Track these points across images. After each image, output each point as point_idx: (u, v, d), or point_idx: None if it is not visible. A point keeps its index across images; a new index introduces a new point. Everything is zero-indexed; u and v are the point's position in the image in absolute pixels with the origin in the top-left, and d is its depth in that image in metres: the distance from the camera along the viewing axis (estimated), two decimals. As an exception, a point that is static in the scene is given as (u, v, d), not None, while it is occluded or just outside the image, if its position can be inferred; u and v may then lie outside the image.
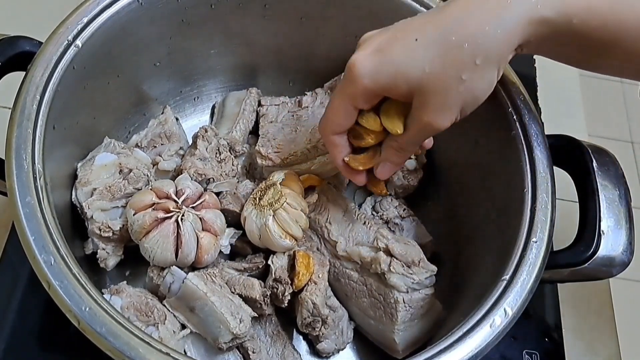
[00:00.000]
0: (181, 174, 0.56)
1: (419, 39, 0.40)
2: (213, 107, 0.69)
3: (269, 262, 0.53)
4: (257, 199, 0.53)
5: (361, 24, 0.61)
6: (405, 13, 0.57)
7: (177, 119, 0.64)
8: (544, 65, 0.79)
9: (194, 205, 0.52)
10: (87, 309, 0.39)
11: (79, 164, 0.55)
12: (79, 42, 0.50)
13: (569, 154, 0.52)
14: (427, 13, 0.43)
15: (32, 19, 0.75)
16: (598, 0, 0.39)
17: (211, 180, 0.57)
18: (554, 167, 0.49)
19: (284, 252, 0.54)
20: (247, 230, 0.53)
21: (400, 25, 0.43)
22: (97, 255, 0.54)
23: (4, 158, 0.45)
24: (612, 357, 0.61)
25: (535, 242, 0.45)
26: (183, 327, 0.50)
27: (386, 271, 0.51)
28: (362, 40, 0.44)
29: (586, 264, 0.47)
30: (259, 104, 0.66)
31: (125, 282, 0.51)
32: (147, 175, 0.56)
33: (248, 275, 0.54)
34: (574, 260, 0.48)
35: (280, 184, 0.54)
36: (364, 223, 0.56)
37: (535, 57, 0.81)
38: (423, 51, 0.40)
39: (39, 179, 0.44)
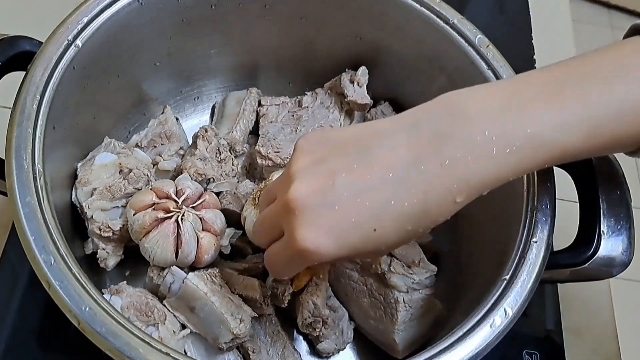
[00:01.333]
0: (181, 174, 0.56)
1: (378, 230, 0.37)
2: (213, 107, 0.69)
3: (269, 262, 0.53)
4: (257, 198, 0.53)
5: (361, 23, 0.61)
6: (405, 13, 0.57)
7: (177, 119, 0.64)
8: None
9: (194, 205, 0.52)
10: (87, 309, 0.39)
11: (79, 164, 0.55)
12: (79, 42, 0.50)
13: (569, 154, 0.51)
14: (377, 180, 0.37)
15: (32, 19, 0.75)
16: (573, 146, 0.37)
17: (211, 180, 0.57)
18: (554, 167, 0.49)
19: (284, 252, 0.54)
20: (246, 230, 0.53)
21: (347, 196, 0.37)
22: (97, 255, 0.54)
23: (4, 158, 0.45)
24: (612, 357, 0.61)
25: (535, 242, 0.45)
26: (183, 327, 0.50)
27: (386, 271, 0.51)
28: (295, 201, 0.38)
29: (586, 264, 0.47)
30: (259, 104, 0.66)
31: (125, 282, 0.51)
32: (147, 175, 0.56)
33: (248, 275, 0.54)
34: (574, 260, 0.47)
35: None
36: (364, 223, 0.56)
37: (535, 57, 0.81)
38: (382, 240, 0.38)
39: (39, 179, 0.44)
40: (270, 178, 0.55)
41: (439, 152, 0.37)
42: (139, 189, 0.54)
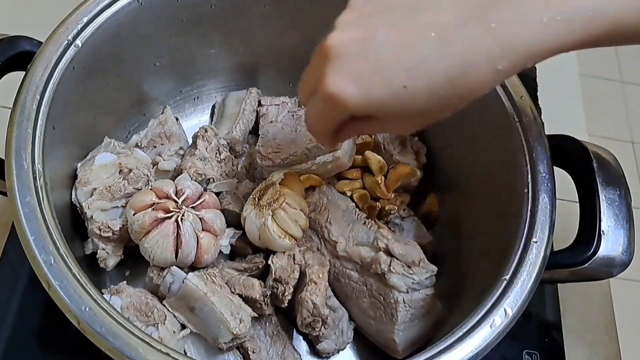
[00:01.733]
0: (181, 174, 0.56)
1: (408, 88, 0.37)
2: (213, 107, 0.69)
3: (269, 262, 0.53)
4: (257, 199, 0.53)
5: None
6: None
7: (177, 119, 0.64)
8: (544, 65, 0.79)
9: (194, 205, 0.52)
10: (87, 309, 0.39)
11: (79, 164, 0.55)
12: (79, 41, 0.50)
13: (569, 154, 0.52)
14: (414, 34, 0.37)
15: (32, 19, 0.75)
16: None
17: (211, 180, 0.57)
18: (554, 167, 0.49)
19: (284, 252, 0.54)
20: (246, 230, 0.53)
21: (383, 49, 0.37)
22: (97, 255, 0.54)
23: (4, 158, 0.45)
24: (612, 357, 0.61)
25: (536, 242, 0.45)
26: (183, 327, 0.50)
27: (386, 271, 0.51)
28: (332, 48, 0.38)
29: (586, 264, 0.47)
30: (259, 104, 0.66)
31: (125, 282, 0.51)
32: (147, 175, 0.56)
33: (248, 275, 0.54)
34: (574, 260, 0.47)
35: (279, 183, 0.54)
36: (364, 223, 0.56)
37: (535, 57, 0.81)
38: (411, 99, 0.37)
39: (39, 179, 0.44)
40: (269, 178, 0.55)
41: (486, 14, 0.36)
42: (138, 189, 0.54)
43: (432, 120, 0.40)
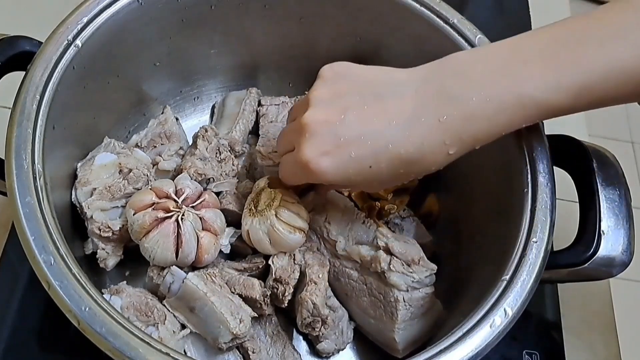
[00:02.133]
0: (181, 173, 0.56)
1: (373, 167, 0.42)
2: (213, 107, 0.69)
3: (269, 262, 0.53)
4: (254, 207, 0.53)
5: (361, 23, 0.61)
6: (405, 13, 0.57)
7: (177, 119, 0.64)
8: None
9: (194, 204, 0.52)
10: (87, 309, 0.39)
11: (79, 164, 0.55)
12: (79, 42, 0.50)
13: (569, 154, 0.52)
14: (379, 122, 0.42)
15: (32, 19, 0.75)
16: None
17: (211, 180, 0.57)
18: (554, 167, 0.49)
19: (285, 252, 0.54)
20: (253, 241, 0.52)
21: (352, 133, 0.42)
22: (97, 255, 0.54)
23: (4, 158, 0.45)
24: (612, 357, 0.61)
25: (535, 242, 0.45)
26: (183, 327, 0.50)
27: (386, 270, 0.51)
28: (307, 125, 0.43)
29: (586, 264, 0.47)
30: (259, 104, 0.66)
31: (125, 282, 0.51)
32: (147, 175, 0.56)
33: (248, 275, 0.54)
34: (574, 260, 0.48)
35: (268, 187, 0.54)
36: (363, 222, 0.56)
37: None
38: (375, 176, 0.43)
39: (39, 179, 0.44)
40: (256, 186, 0.54)
41: (439, 107, 0.41)
42: (138, 189, 0.54)
43: (392, 186, 0.51)
